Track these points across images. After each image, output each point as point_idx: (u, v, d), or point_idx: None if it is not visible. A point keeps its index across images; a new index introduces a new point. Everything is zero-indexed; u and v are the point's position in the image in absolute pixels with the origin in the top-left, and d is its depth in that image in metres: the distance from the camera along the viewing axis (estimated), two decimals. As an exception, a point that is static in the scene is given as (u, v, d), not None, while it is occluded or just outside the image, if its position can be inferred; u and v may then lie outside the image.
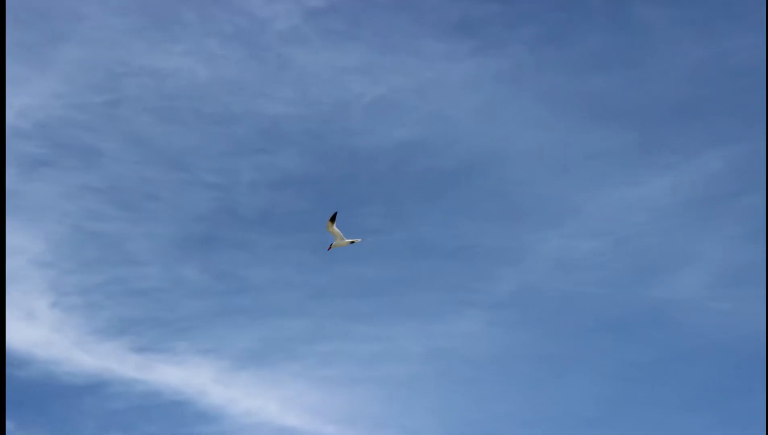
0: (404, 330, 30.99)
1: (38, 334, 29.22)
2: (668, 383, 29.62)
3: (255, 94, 35.09)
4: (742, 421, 27.28)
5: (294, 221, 33.49)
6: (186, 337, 30.37)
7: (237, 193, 34.07)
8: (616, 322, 31.20)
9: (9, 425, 23.46)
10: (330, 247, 19.58)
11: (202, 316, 31.08)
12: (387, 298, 31.63)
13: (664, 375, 29.92)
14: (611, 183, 34.33)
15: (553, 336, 30.88)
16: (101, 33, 34.30)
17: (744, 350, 29.02)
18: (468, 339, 30.62)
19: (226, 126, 34.80)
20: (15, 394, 25.95)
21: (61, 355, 29.31)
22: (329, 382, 29.94)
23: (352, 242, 19.59)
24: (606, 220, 33.40)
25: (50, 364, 28.73)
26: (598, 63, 35.47)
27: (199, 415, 28.95)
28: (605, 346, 30.59)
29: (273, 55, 35.12)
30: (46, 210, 32.05)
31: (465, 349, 30.48)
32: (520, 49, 35.33)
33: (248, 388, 29.71)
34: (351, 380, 29.92)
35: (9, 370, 23.16)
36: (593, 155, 34.72)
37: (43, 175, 32.29)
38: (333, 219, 19.15)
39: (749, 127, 32.76)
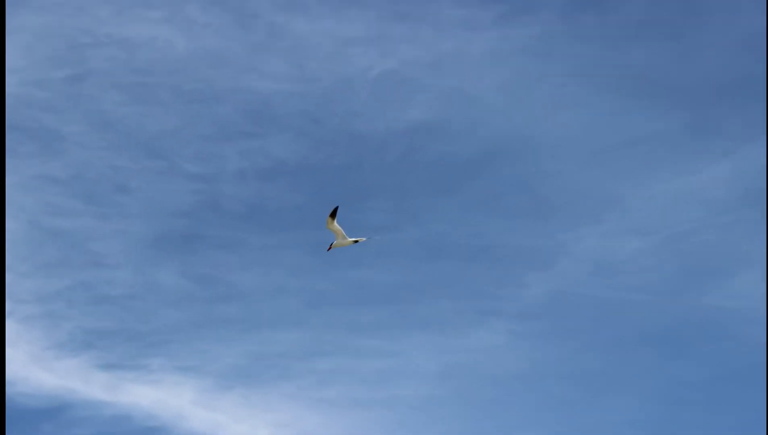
0: (416, 344, 30.44)
1: (-13, 350, 30.69)
2: (724, 406, 28.87)
3: (242, 69, 34.51)
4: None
5: (288, 217, 33.02)
6: (162, 352, 29.93)
7: (221, 184, 33.59)
8: (664, 334, 30.57)
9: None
10: (330, 247, 19.12)
11: (180, 328, 30.61)
12: (396, 307, 31.07)
13: (719, 396, 29.17)
14: (658, 172, 33.60)
15: (589, 350, 30.27)
16: (62, -4, 35.27)
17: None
18: (491, 354, 30.05)
19: (208, 106, 34.34)
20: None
21: (16, 374, 28.63)
22: (329, 405, 29.30)
23: (356, 241, 19.17)
24: (652, 216, 32.72)
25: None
26: (642, 32, 34.82)
27: (177, 443, 30.12)
28: (651, 363, 29.91)
29: (263, 24, 34.50)
30: (-3, 204, 33.79)
31: (487, 365, 29.90)
32: (551, 17, 34.61)
33: (235, 411, 29.12)
34: (354, 402, 29.28)
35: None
36: (636, 140, 33.98)
37: (-6, 163, 33.92)
38: (333, 215, 18.64)
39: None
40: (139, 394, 28.93)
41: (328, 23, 34.48)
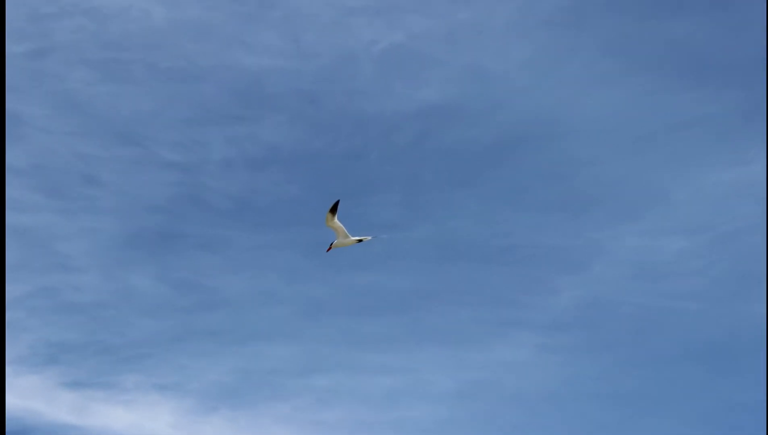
0: (429, 358, 29.76)
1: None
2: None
3: (229, 43, 34.33)
4: None
5: (281, 213, 32.78)
6: (137, 368, 29.34)
7: (205, 174, 33.39)
8: (716, 347, 29.54)
9: None
10: (330, 248, 18.80)
11: (158, 340, 30.05)
12: (406, 316, 30.46)
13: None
14: (707, 161, 33.16)
15: (629, 367, 29.33)
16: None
17: None
18: (515, 370, 29.47)
19: (190, 85, 34.15)
20: None
21: (-31, 393, 29.93)
22: (328, 429, 28.58)
23: (360, 241, 18.81)
24: (701, 212, 32.25)
25: (-46, 404, 26.71)
26: (687, 1, 34.34)
27: (154, 471, 28.73)
28: (701, 381, 28.83)
29: (254, -9, 34.60)
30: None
31: (511, 384, 29.26)
32: (583, -17, 36.17)
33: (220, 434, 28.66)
34: (358, 426, 28.53)
35: None
36: (682, 124, 33.49)
37: (-56, 151, 34.54)
38: (334, 210, 18.31)
39: None
40: (111, 417, 28.34)
41: (327, -10, 36.18)
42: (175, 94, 33.93)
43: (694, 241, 31.60)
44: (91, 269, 31.29)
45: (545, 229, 32.18)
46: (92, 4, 33.56)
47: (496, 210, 32.71)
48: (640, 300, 30.45)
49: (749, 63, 34.06)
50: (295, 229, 31.39)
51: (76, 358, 29.30)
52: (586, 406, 28.85)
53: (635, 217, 32.29)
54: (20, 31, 33.24)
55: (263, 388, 29.26)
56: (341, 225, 18.40)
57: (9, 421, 27.09)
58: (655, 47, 34.18)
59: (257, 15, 34.20)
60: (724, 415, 28.28)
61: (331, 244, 18.69)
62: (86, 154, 33.00)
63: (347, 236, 18.50)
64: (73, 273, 31.13)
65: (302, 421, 28.54)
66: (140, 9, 33.64)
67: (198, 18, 33.97)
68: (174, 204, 32.73)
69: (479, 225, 32.33)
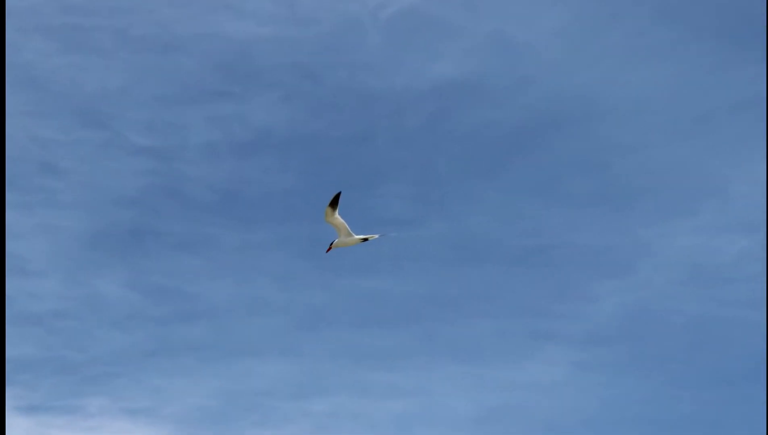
0: (446, 378, 29.33)
1: None
2: None
3: (212, 8, 34.10)
4: None
5: (273, 207, 32.68)
6: (103, 389, 28.81)
7: (183, 162, 33.48)
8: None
9: None
10: (330, 248, 18.22)
11: (128, 357, 29.55)
12: (419, 328, 30.10)
13: None
14: None
15: (680, 386, 28.70)
16: None
17: None
18: (547, 392, 28.96)
19: (166, 57, 34.34)
20: None
21: None
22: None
23: (365, 240, 18.25)
24: (764, 206, 31.22)
25: None
26: None
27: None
28: (763, 402, 26.87)
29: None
30: None
31: (542, 408, 28.65)
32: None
33: (202, 467, 27.87)
34: (363, 455, 27.99)
35: None
36: (744, 104, 33.05)
37: None
38: (334, 204, 17.69)
39: None
40: (73, 445, 27.54)
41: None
42: (148, 68, 33.84)
43: (757, 240, 30.91)
44: (50, 273, 31.40)
45: (581, 226, 32.47)
46: (50, -38, 34.50)
47: (523, 204, 32.77)
48: (693, 309, 30.12)
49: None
50: (290, 226, 31.28)
51: (32, 378, 28.88)
52: (629, 433, 28.15)
53: (688, 213, 32.40)
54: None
55: (252, 413, 28.71)
56: (343, 221, 17.71)
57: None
58: (712, 14, 34.06)
59: (246, -24, 35.10)
60: (791, 443, 29.12)
61: (332, 244, 18.09)
62: (44, 138, 33.09)
63: (350, 234, 17.87)
64: (29, 278, 31.06)
65: (298, 450, 28.08)
66: (108, -34, 34.39)
67: (175, -22, 34.66)
68: (147, 196, 32.72)
69: (503, 222, 32.34)
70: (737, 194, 32.60)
